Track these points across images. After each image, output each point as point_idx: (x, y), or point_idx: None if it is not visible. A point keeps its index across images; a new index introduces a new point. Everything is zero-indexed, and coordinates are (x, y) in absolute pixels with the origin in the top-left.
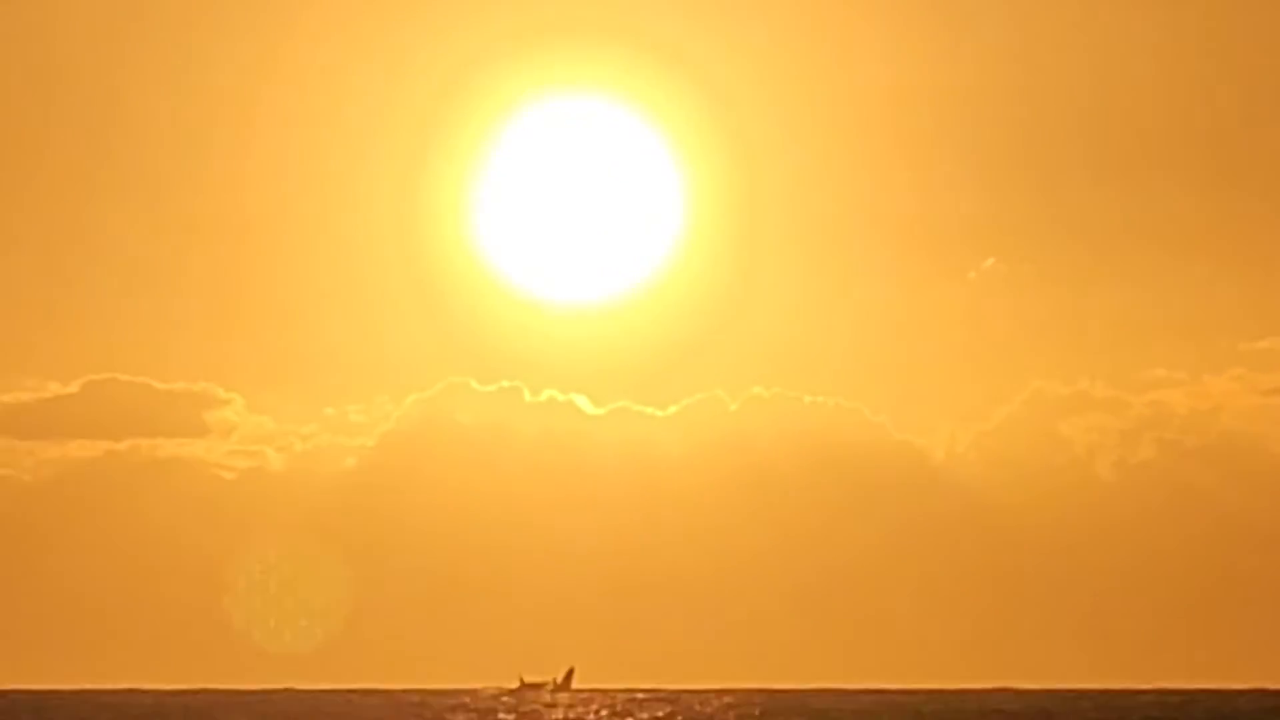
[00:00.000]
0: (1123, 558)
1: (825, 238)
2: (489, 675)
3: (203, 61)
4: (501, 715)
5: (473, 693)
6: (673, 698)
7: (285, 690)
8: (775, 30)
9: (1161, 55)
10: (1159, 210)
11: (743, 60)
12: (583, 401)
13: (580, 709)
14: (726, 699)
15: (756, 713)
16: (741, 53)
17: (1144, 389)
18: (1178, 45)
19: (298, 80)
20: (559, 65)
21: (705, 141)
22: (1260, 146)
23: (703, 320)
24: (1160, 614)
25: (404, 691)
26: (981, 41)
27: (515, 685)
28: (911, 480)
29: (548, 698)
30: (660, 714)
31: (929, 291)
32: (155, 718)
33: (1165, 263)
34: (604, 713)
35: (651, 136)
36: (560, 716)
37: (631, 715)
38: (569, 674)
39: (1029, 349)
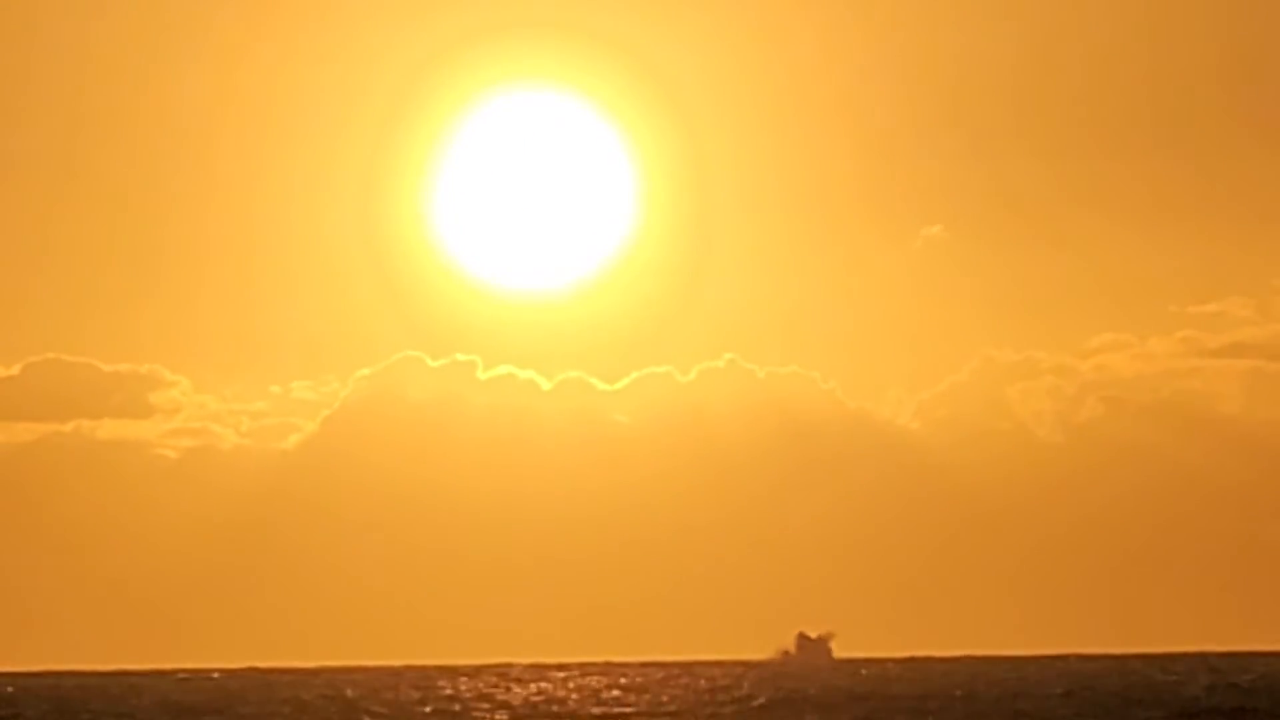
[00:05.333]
0: (1071, 520)
1: (774, 216)
2: (447, 651)
3: (165, 48)
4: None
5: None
6: (604, 669)
7: (247, 669)
8: (718, 20)
9: (1105, 26)
10: (1104, 177)
11: (688, 50)
12: (535, 377)
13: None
14: (674, 670)
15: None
16: (687, 43)
17: (1091, 353)
18: (1119, 16)
19: (260, 69)
20: (516, 60)
21: (656, 132)
22: (1205, 114)
23: (656, 303)
24: (1107, 575)
25: (376, 668)
26: (922, 15)
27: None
28: (864, 447)
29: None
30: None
31: (875, 260)
32: (108, 700)
33: (1112, 229)
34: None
35: (605, 128)
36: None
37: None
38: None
39: (978, 316)
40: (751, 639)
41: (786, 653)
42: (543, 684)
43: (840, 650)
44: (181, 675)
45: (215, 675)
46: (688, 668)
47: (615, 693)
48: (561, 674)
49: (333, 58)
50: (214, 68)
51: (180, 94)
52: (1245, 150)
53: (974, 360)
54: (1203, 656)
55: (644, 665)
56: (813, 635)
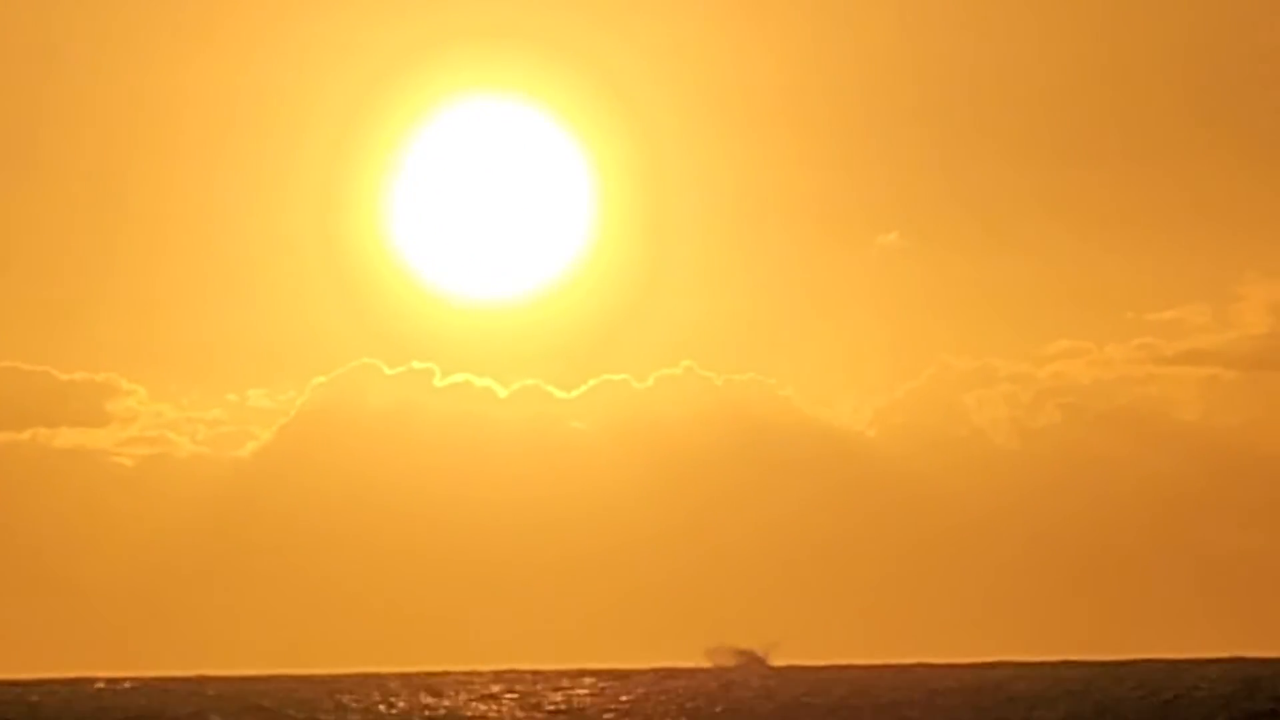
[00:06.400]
0: (1028, 529)
1: (731, 224)
2: (403, 658)
3: (122, 54)
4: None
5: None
6: (574, 676)
7: (197, 677)
8: (674, 29)
9: (1058, 30)
10: (1061, 184)
11: (645, 59)
12: (492, 385)
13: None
14: (635, 680)
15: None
16: (644, 52)
17: (1048, 360)
18: (1074, 20)
19: (217, 75)
20: (473, 69)
21: (613, 140)
22: (1161, 120)
23: (613, 311)
24: (1065, 583)
25: (339, 676)
26: (878, 23)
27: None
28: (821, 454)
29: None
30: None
31: (832, 267)
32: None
33: (1068, 236)
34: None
35: (562, 136)
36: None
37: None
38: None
39: (934, 323)
40: (705, 646)
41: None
42: (509, 691)
43: (793, 657)
44: (172, 685)
45: (142, 682)
46: (644, 676)
47: (587, 699)
48: (523, 682)
49: (290, 65)
50: (170, 74)
51: (137, 100)
52: (1203, 157)
53: (931, 367)
54: (1158, 663)
55: (598, 673)
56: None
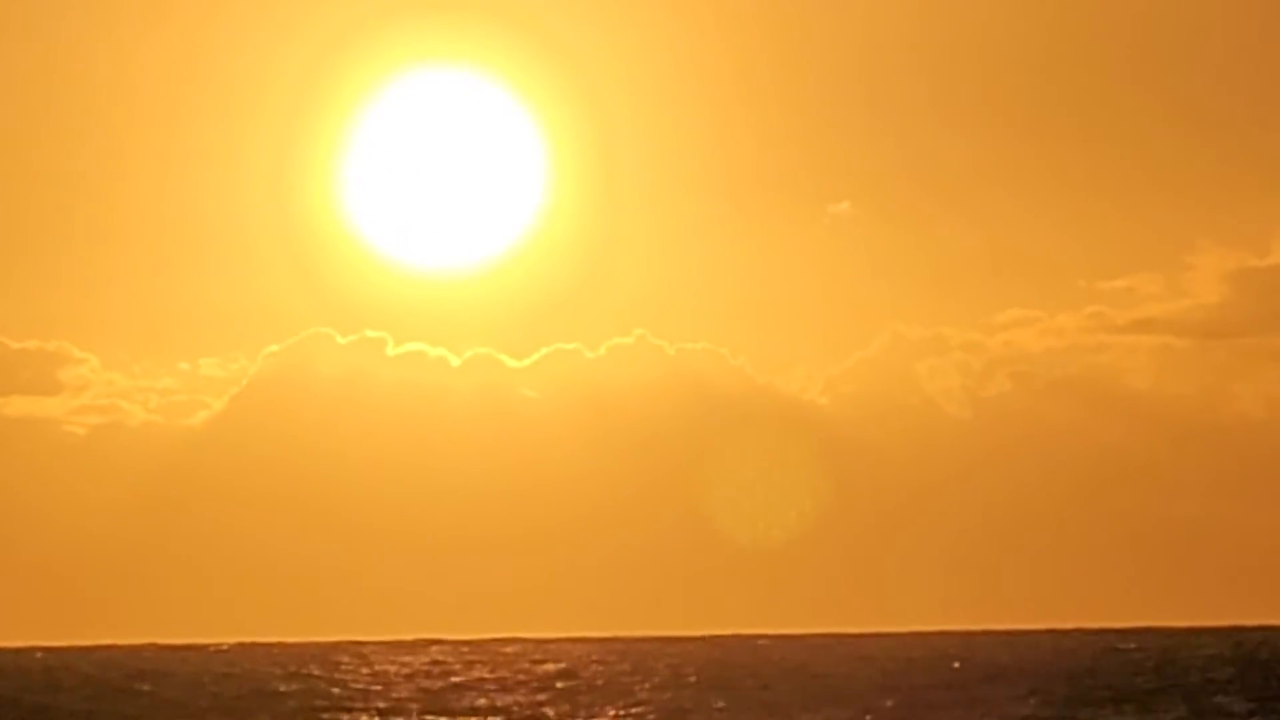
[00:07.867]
0: (979, 497)
1: (683, 194)
2: (355, 627)
3: (73, 24)
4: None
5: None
6: (534, 646)
7: (146, 645)
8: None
9: (1013, 1)
10: (1012, 153)
11: (596, 29)
12: (444, 354)
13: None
14: (588, 648)
15: (620, 661)
16: (595, 23)
17: (999, 329)
18: None
19: (170, 45)
20: (426, 39)
21: (565, 110)
22: (1113, 89)
23: (565, 280)
24: (1016, 552)
25: (300, 644)
26: None
27: None
28: (774, 423)
29: None
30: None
31: (783, 237)
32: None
33: (1020, 205)
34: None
35: (514, 106)
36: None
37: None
38: None
39: (886, 292)
40: (658, 615)
41: None
42: (476, 661)
43: (745, 627)
44: (121, 653)
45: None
46: (598, 644)
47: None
48: (462, 648)
49: (243, 34)
50: (123, 43)
51: (88, 70)
52: (1155, 126)
53: (882, 336)
54: (1108, 633)
55: (546, 641)
56: None
